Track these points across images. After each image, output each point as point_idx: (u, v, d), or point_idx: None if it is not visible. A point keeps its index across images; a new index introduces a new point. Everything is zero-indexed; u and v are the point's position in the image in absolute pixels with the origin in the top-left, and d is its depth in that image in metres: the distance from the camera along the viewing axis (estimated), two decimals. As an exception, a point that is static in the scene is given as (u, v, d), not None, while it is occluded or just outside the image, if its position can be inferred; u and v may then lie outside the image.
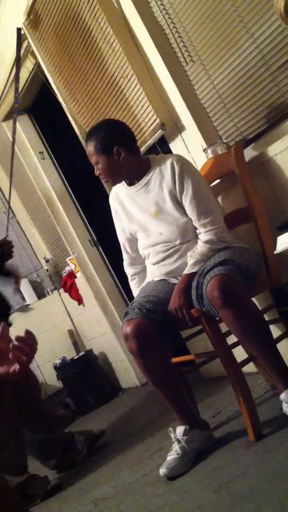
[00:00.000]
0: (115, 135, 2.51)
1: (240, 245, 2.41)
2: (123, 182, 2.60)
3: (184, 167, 2.45)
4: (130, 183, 2.57)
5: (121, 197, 2.62)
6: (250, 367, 2.72)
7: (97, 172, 2.55)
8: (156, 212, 2.49)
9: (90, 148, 2.51)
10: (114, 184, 2.61)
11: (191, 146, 2.92)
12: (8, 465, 2.95)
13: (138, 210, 2.55)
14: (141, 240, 2.58)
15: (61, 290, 5.21)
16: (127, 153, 2.48)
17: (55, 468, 3.22)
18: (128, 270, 2.72)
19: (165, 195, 2.46)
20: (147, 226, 2.53)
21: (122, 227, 2.65)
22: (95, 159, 2.51)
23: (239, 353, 2.55)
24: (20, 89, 4.38)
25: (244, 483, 1.89)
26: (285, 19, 1.96)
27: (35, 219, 5.37)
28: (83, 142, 3.70)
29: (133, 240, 2.65)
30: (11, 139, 4.78)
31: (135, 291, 2.68)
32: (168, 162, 2.47)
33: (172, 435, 2.36)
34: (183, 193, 2.42)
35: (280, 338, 2.42)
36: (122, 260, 2.74)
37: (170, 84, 2.86)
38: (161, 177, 2.48)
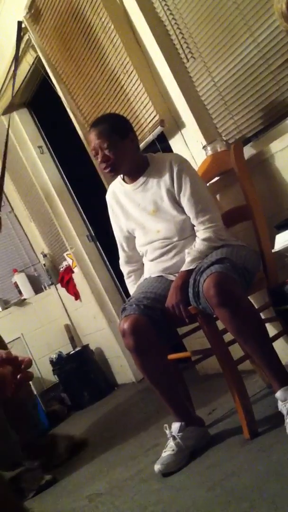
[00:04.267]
0: (129, 124, 2.57)
1: (238, 243, 2.41)
2: (120, 180, 2.60)
3: (182, 166, 2.45)
4: (129, 180, 2.56)
5: (118, 195, 2.61)
6: (246, 365, 2.72)
7: (99, 158, 2.47)
8: (154, 210, 2.49)
9: (102, 127, 2.46)
10: (115, 171, 2.52)
11: (190, 143, 2.91)
12: (1, 458, 2.95)
13: (136, 208, 2.55)
14: (138, 237, 2.58)
15: (58, 285, 5.21)
16: (135, 144, 2.52)
17: (40, 468, 3.12)
18: (124, 268, 2.72)
19: (163, 194, 2.47)
20: (145, 224, 2.53)
21: (119, 225, 2.65)
22: (106, 141, 2.44)
23: (236, 351, 2.55)
24: (19, 84, 4.37)
25: (239, 480, 1.89)
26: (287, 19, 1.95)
27: (33, 214, 5.37)
28: (82, 137, 3.69)
29: (130, 238, 2.65)
30: (11, 132, 4.77)
31: (131, 288, 2.68)
32: (167, 161, 2.48)
33: (167, 432, 2.37)
34: (181, 192, 2.43)
35: (276, 337, 2.42)
36: (119, 256, 2.73)
37: (170, 81, 2.86)
38: (159, 176, 2.48)
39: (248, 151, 2.62)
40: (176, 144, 3.00)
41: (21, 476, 2.94)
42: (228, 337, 2.36)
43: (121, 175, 2.61)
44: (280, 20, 2.06)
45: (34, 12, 3.62)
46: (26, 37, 3.91)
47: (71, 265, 4.84)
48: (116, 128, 2.49)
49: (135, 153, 2.53)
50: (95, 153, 2.50)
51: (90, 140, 2.50)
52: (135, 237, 2.62)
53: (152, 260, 2.54)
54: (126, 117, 2.71)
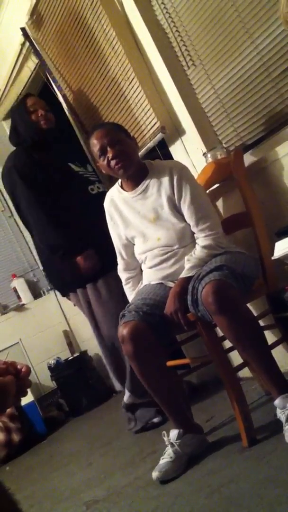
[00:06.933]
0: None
1: (237, 250, 2.41)
2: (118, 187, 2.60)
3: (182, 173, 2.46)
4: (127, 187, 2.56)
5: (117, 203, 2.61)
6: (245, 372, 2.72)
7: (110, 154, 2.43)
8: (155, 218, 2.49)
9: (109, 127, 2.55)
10: (128, 167, 2.47)
11: (191, 150, 2.92)
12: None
13: (136, 216, 2.54)
14: (138, 245, 2.58)
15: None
16: (137, 148, 2.59)
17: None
18: (123, 274, 2.72)
19: (163, 201, 2.47)
20: (145, 231, 2.53)
21: (118, 233, 2.65)
22: (116, 137, 2.46)
23: (235, 358, 2.55)
24: (20, 90, 4.38)
25: (237, 488, 1.89)
26: None
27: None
28: (82, 143, 3.70)
29: (128, 246, 2.64)
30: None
31: (130, 295, 2.68)
32: (167, 168, 2.48)
33: (165, 439, 2.36)
34: (182, 199, 2.43)
35: (275, 344, 2.42)
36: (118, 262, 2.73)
37: (171, 88, 2.87)
38: (159, 183, 2.48)
39: (248, 158, 2.62)
40: (176, 151, 3.01)
41: (137, 408, 3.12)
42: (227, 344, 2.35)
43: (119, 182, 2.61)
44: (285, 26, 2.06)
45: (36, 18, 3.63)
46: (27, 43, 3.92)
47: (70, 270, 4.82)
48: (121, 128, 2.57)
49: (138, 156, 2.55)
50: (101, 153, 2.47)
51: (96, 141, 2.47)
52: (133, 244, 2.61)
53: (151, 268, 2.53)
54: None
